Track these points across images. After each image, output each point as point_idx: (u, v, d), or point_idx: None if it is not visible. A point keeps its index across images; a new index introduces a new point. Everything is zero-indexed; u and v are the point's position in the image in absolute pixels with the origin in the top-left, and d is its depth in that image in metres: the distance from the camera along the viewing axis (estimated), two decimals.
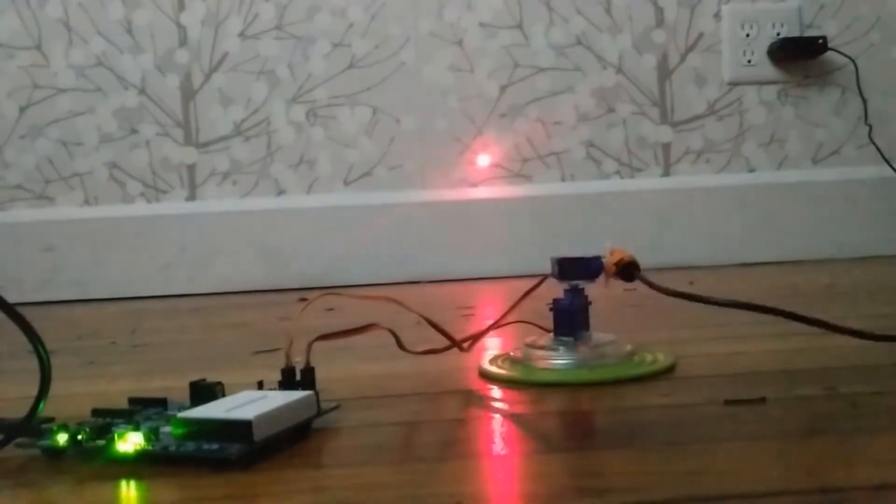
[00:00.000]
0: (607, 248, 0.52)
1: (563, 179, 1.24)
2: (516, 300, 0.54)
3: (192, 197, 1.22)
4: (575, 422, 0.42)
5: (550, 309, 0.51)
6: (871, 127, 1.23)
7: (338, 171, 1.23)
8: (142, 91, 1.21)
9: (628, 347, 0.52)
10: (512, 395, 0.47)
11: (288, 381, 0.44)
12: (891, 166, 1.21)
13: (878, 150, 1.22)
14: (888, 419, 0.39)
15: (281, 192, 1.23)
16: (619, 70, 1.24)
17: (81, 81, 1.21)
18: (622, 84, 1.24)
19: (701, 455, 0.35)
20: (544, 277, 0.52)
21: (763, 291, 0.89)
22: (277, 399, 0.39)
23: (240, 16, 1.22)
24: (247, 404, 0.39)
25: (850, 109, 1.25)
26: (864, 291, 0.84)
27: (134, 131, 1.22)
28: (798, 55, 1.22)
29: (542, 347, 0.51)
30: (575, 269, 0.51)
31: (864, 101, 1.24)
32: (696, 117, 1.25)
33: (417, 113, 1.23)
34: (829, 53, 1.22)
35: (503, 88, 1.24)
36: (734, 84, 1.25)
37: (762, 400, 0.42)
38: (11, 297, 0.42)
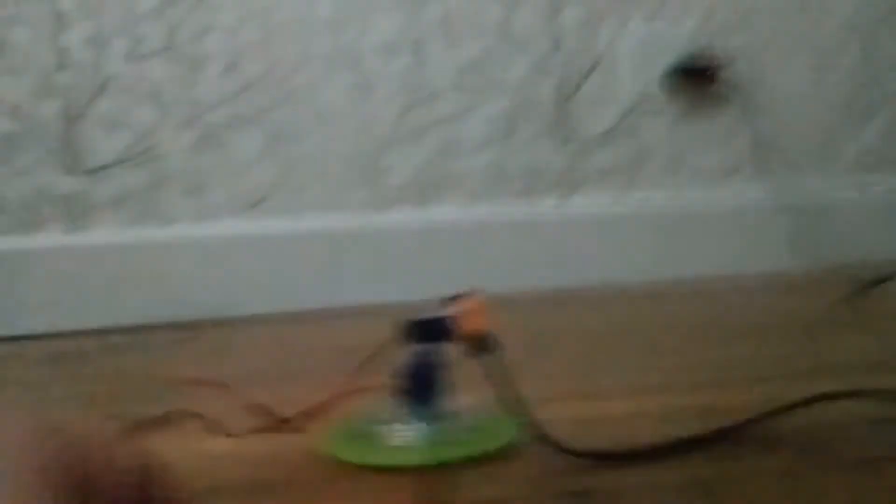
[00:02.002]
0: (458, 304, 0.49)
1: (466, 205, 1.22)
2: (358, 365, 0.50)
3: (74, 229, 1.16)
4: None
5: (393, 377, 0.48)
6: (762, 151, 1.24)
7: (231, 197, 1.18)
8: (15, 117, 1.15)
9: (480, 416, 0.49)
10: (339, 480, 0.43)
11: None
12: (779, 188, 1.22)
13: (769, 169, 1.23)
14: None
15: (171, 222, 1.18)
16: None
17: None
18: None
19: None
20: (389, 341, 0.49)
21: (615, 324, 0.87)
22: None
23: (125, 36, 1.16)
24: None
25: (745, 133, 1.25)
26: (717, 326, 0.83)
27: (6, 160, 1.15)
28: (693, 79, 1.21)
29: (381, 422, 0.48)
30: (421, 332, 0.48)
31: (758, 121, 1.24)
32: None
33: (315, 136, 1.19)
34: (724, 76, 1.22)
35: (403, 111, 1.20)
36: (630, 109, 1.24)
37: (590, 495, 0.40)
38: None
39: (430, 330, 0.48)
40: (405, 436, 0.47)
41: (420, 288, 1.17)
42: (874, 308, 0.90)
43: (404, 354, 0.49)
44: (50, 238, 1.15)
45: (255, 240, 1.17)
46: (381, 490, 0.41)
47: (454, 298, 0.48)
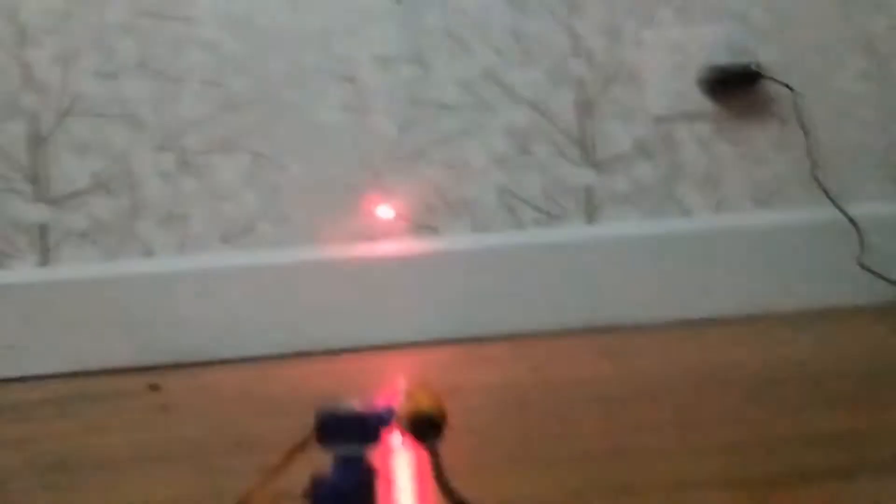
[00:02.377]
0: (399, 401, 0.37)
1: (474, 230, 1.09)
2: (267, 475, 0.38)
3: (44, 262, 1.06)
4: None
5: (303, 496, 0.35)
6: (814, 163, 1.09)
7: (214, 226, 1.08)
8: None
9: None
10: None
11: None
12: (837, 206, 1.07)
13: (823, 188, 1.08)
14: None
15: (148, 254, 1.07)
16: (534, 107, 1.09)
17: None
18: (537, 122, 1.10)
19: None
20: (305, 440, 0.37)
21: (670, 377, 0.73)
22: None
23: (95, 51, 1.06)
24: None
25: (793, 144, 1.11)
26: (796, 381, 0.69)
27: None
28: (730, 84, 1.07)
29: None
30: (343, 430, 0.36)
31: (806, 135, 1.09)
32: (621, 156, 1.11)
33: (305, 158, 1.08)
34: (765, 82, 1.08)
35: (402, 129, 1.09)
36: (662, 120, 1.10)
37: None
38: None
39: (356, 426, 0.36)
40: None
41: (412, 326, 1.05)
42: None
43: (323, 462, 0.36)
44: (20, 272, 1.05)
45: (240, 272, 1.06)
46: None
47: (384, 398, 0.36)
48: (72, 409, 0.81)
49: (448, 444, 0.37)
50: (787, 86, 1.08)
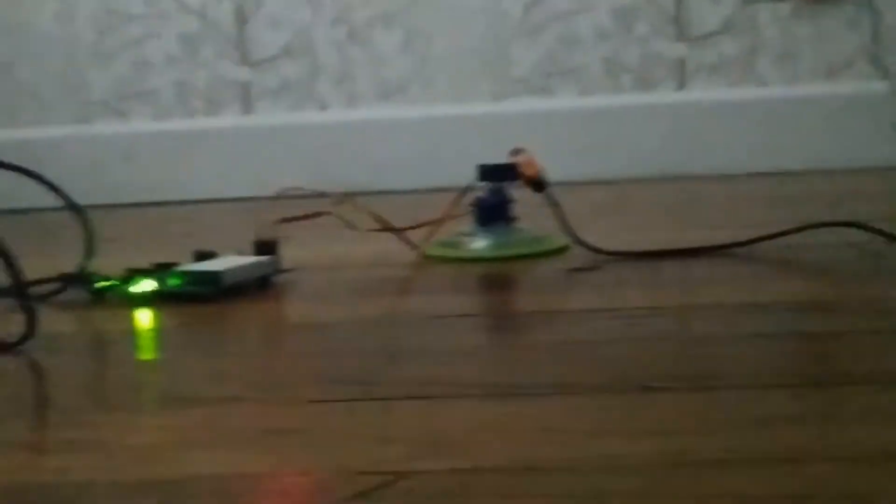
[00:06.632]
0: (517, 155, 0.69)
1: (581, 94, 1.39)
2: (453, 200, 0.71)
3: (247, 111, 1.43)
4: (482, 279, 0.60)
5: (470, 205, 0.69)
6: (879, 43, 1.32)
7: (374, 86, 1.41)
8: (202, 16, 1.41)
9: (536, 234, 0.70)
10: (437, 266, 0.65)
11: (259, 250, 0.63)
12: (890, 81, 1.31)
13: (884, 65, 1.32)
14: None
15: (325, 107, 1.42)
16: None
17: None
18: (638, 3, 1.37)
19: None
20: (467, 188, 0.70)
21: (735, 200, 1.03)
22: (245, 260, 0.59)
23: None
24: (224, 263, 0.59)
25: (864, 25, 1.34)
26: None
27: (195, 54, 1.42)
28: None
29: (465, 235, 0.69)
30: (491, 174, 0.68)
31: (877, 17, 1.32)
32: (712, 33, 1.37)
33: (447, 33, 1.39)
34: None
35: (527, 7, 1.38)
36: (749, 2, 1.35)
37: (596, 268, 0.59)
38: None
39: (498, 172, 0.68)
40: (480, 243, 0.68)
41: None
42: None
43: (480, 191, 0.69)
44: (227, 119, 1.42)
45: (395, 123, 1.40)
46: (457, 273, 0.63)
47: (515, 153, 0.68)
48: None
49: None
50: None
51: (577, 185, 1.11)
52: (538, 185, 0.67)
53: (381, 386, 0.40)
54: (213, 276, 0.56)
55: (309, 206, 0.99)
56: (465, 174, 1.40)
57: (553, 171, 1.41)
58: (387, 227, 0.71)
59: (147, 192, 1.41)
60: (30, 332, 0.48)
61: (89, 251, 0.58)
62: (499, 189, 0.68)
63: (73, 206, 0.58)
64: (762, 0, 1.34)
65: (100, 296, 0.60)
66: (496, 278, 0.60)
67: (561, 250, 0.68)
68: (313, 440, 0.34)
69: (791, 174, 1.30)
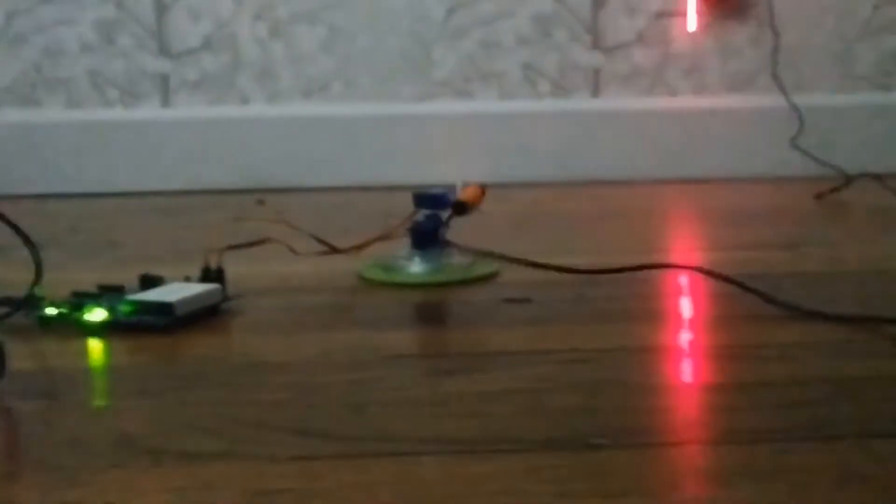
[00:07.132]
0: (460, 185, 0.73)
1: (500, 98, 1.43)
2: (398, 224, 0.74)
3: (166, 104, 1.42)
4: (420, 310, 0.63)
5: (408, 229, 0.72)
6: (776, 63, 1.41)
7: (297, 83, 1.42)
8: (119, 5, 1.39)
9: (467, 260, 0.74)
10: (376, 290, 0.69)
11: (205, 277, 0.65)
12: (787, 100, 1.40)
13: (778, 83, 1.41)
14: None
15: (246, 102, 1.42)
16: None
17: None
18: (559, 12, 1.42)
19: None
20: (413, 213, 0.73)
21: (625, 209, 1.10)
22: (195, 288, 0.61)
23: None
24: (174, 291, 0.60)
25: (765, 43, 1.43)
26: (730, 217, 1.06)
27: (111, 42, 1.40)
28: None
29: (401, 258, 0.73)
30: (426, 202, 0.72)
31: (777, 36, 1.41)
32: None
33: (370, 32, 1.41)
34: None
35: (450, 11, 1.41)
36: (661, 15, 1.42)
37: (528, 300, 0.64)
38: None
39: (433, 200, 0.72)
40: (416, 267, 0.72)
41: (452, 169, 1.41)
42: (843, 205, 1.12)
43: (417, 216, 0.73)
44: (146, 112, 1.41)
45: (316, 121, 1.41)
46: (393, 298, 0.66)
47: (463, 186, 0.73)
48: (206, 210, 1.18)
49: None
50: None
51: (496, 187, 1.16)
52: (460, 208, 0.72)
53: (350, 441, 0.40)
54: (166, 307, 0.58)
55: (231, 207, 1.03)
56: (386, 173, 1.45)
57: (472, 173, 1.46)
58: (329, 251, 0.74)
59: (59, 184, 1.39)
60: (0, 373, 0.48)
61: (38, 274, 0.59)
62: (435, 214, 0.72)
63: (16, 229, 0.59)
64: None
65: (47, 322, 0.61)
66: (434, 309, 0.64)
67: (492, 276, 0.72)
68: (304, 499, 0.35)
69: (695, 182, 1.38)
